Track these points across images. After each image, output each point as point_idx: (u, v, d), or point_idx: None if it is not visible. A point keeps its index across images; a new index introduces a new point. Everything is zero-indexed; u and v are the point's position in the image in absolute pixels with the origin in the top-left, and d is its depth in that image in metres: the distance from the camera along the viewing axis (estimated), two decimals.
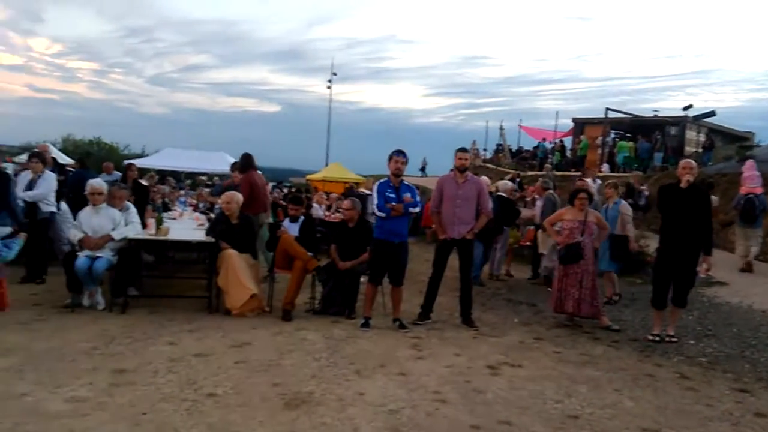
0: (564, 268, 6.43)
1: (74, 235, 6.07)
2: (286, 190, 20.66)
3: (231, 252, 6.17)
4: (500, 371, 4.74)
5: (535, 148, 29.03)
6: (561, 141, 27.13)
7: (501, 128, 31.43)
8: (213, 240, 6.33)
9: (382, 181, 6.02)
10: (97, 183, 6.30)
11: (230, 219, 6.48)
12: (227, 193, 6.70)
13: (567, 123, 29.44)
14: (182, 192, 15.19)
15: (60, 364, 4.28)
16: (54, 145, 28.05)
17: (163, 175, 17.37)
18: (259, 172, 8.26)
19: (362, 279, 6.50)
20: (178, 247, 8.11)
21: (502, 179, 12.11)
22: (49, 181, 7.12)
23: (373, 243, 6.04)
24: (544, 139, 28.23)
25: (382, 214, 5.82)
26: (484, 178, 7.61)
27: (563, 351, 5.47)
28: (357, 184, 25.44)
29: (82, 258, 5.87)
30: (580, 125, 26.01)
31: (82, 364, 4.30)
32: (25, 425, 3.26)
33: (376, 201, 5.87)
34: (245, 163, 8.02)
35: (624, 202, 7.89)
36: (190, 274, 8.38)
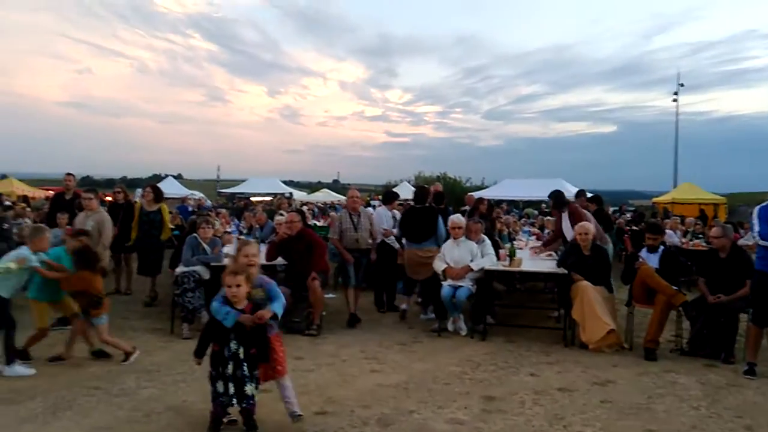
0: None
1: (439, 266, 6.72)
2: (629, 215, 19.50)
3: (585, 284, 6.03)
4: None
5: None
6: None
7: None
8: (565, 271, 6.28)
9: (765, 204, 5.13)
10: (458, 218, 6.89)
11: (582, 250, 6.34)
12: (581, 224, 6.57)
13: None
14: (524, 221, 15.58)
15: (436, 386, 4.73)
16: (408, 182, 32.20)
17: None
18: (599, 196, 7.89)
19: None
20: (525, 277, 8.27)
21: None
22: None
23: (756, 276, 5.17)
24: None
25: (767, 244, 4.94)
26: None
27: None
28: (668, 204, 22.46)
29: (446, 287, 6.47)
30: None
31: (455, 387, 4.69)
32: None
33: (757, 228, 5.04)
34: (557, 201, 7.71)
35: None
36: (537, 304, 8.48)
